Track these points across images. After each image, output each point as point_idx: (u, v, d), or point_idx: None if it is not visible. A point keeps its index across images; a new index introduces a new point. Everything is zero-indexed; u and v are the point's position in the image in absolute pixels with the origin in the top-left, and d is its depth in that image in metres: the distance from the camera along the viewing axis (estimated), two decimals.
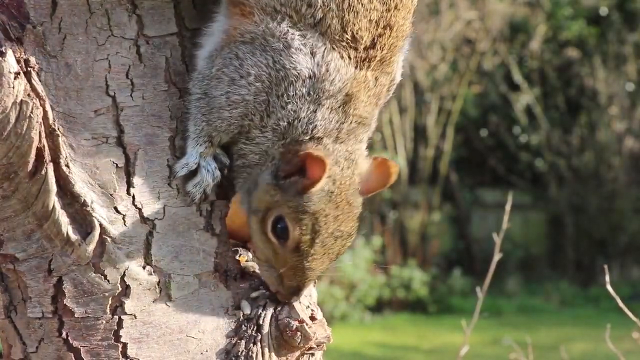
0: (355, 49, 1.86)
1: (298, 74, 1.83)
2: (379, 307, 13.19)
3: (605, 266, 2.97)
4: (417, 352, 10.82)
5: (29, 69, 1.80)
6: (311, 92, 1.84)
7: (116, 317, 1.85)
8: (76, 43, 1.83)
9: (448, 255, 15.30)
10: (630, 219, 15.29)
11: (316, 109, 1.85)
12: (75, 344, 1.86)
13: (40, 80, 1.81)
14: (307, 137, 1.86)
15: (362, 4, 1.84)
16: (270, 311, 1.93)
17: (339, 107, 1.87)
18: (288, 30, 1.83)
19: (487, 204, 15.81)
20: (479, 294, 3.21)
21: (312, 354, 2.01)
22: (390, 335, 11.81)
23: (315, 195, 1.86)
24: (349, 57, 1.86)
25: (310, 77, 1.84)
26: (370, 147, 1.98)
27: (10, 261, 1.85)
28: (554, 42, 16.13)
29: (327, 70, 1.84)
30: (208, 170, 1.89)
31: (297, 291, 1.92)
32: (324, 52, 1.84)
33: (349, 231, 1.92)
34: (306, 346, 1.94)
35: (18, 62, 1.76)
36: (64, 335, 1.86)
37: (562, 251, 15.56)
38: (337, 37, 1.84)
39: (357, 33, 1.85)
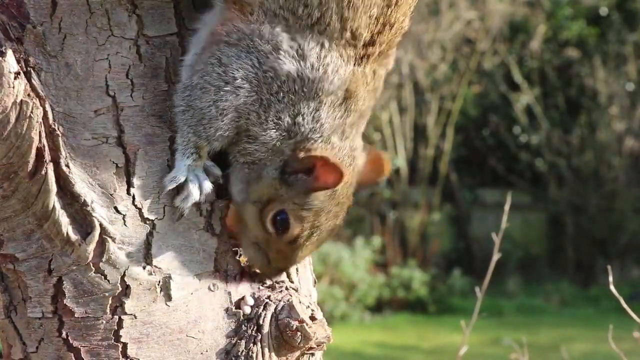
0: (355, 47, 1.83)
1: (287, 75, 1.80)
2: (379, 307, 13.20)
3: (609, 267, 2.98)
4: (417, 352, 10.83)
5: (29, 68, 1.80)
6: (305, 90, 1.81)
7: (116, 317, 1.85)
8: (76, 43, 1.82)
9: (448, 255, 15.31)
10: (630, 219, 15.30)
11: (319, 107, 1.83)
12: (75, 344, 1.86)
13: (40, 80, 1.81)
14: (318, 136, 1.84)
15: (362, 0, 1.80)
16: (270, 311, 1.93)
17: (341, 103, 1.85)
18: (279, 33, 1.80)
19: (487, 204, 15.82)
20: (478, 294, 3.21)
21: (312, 354, 2.01)
22: (390, 335, 11.82)
23: (322, 195, 1.88)
24: (348, 56, 1.83)
25: (301, 78, 1.81)
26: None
27: (10, 261, 1.85)
28: (554, 42, 16.13)
29: (325, 72, 1.82)
30: (195, 184, 1.86)
31: (281, 272, 1.97)
32: (320, 52, 1.81)
33: (340, 223, 1.96)
34: (306, 346, 1.94)
35: (18, 62, 1.76)
36: (64, 335, 1.86)
37: (562, 251, 15.57)
38: (336, 35, 1.81)
39: (356, 30, 1.82)
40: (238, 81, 1.81)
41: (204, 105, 1.83)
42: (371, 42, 1.84)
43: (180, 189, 1.86)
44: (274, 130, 1.84)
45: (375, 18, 1.82)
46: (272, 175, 1.86)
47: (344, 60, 1.83)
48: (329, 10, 1.79)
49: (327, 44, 1.82)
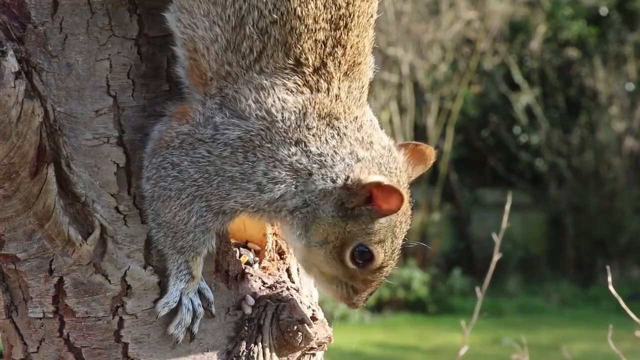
0: (303, 74, 1.77)
1: (240, 139, 1.76)
2: (379, 307, 13.20)
3: (608, 267, 2.98)
4: (417, 352, 10.83)
5: (30, 68, 1.80)
6: (269, 138, 1.76)
7: (117, 317, 1.85)
8: (77, 43, 1.82)
9: (448, 255, 15.31)
10: (630, 219, 15.31)
11: (306, 143, 1.77)
12: (76, 344, 1.85)
13: (41, 80, 1.81)
14: (353, 161, 1.78)
15: (306, 25, 1.74)
16: (271, 311, 1.93)
17: (327, 127, 1.79)
18: (213, 111, 1.77)
19: (487, 204, 15.82)
20: (478, 294, 3.22)
21: (313, 354, 2.01)
22: (390, 335, 11.82)
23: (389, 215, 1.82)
24: (297, 85, 1.77)
25: (255, 133, 1.76)
26: None
27: (11, 261, 1.85)
28: (554, 42, 16.14)
29: (270, 114, 1.76)
30: (189, 309, 1.86)
31: (370, 296, 1.93)
32: (259, 98, 1.76)
33: (411, 222, 1.91)
34: (307, 346, 1.94)
35: (19, 61, 1.76)
36: (65, 335, 1.86)
37: (562, 251, 15.57)
38: (279, 66, 1.76)
39: (300, 56, 1.76)
40: (195, 175, 1.78)
41: (171, 216, 1.81)
42: (323, 65, 1.78)
43: (174, 313, 1.86)
44: (280, 184, 1.78)
45: (323, 42, 1.77)
46: (332, 214, 1.80)
47: (291, 92, 1.76)
48: (271, 37, 1.74)
49: (267, 84, 1.76)
